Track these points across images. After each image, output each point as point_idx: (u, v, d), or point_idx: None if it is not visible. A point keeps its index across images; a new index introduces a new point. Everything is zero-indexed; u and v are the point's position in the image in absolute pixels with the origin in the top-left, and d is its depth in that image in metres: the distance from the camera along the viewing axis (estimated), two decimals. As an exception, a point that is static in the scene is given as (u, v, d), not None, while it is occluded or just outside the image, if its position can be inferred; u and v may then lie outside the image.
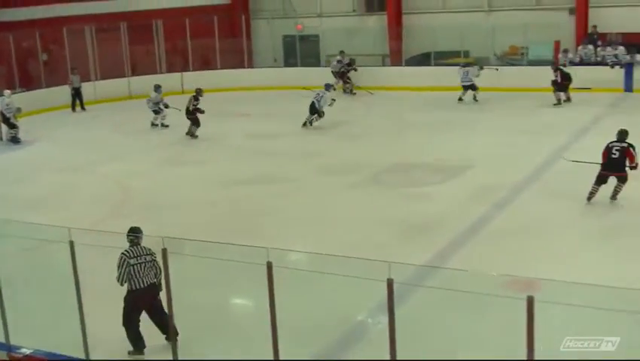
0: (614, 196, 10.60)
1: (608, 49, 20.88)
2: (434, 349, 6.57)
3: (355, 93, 22.34)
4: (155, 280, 6.87)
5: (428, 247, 9.29)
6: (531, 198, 11.29)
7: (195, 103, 16.81)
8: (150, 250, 6.86)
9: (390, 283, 5.31)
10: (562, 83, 18.70)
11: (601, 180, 10.57)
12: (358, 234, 9.91)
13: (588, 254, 8.91)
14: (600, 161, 10.62)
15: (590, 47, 21.22)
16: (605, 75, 19.77)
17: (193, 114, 16.81)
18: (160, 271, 6.65)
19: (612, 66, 20.02)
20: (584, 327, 6.42)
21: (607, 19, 21.51)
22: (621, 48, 20.61)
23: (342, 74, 22.43)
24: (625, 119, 15.43)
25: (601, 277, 7.14)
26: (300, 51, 25.77)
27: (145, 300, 6.82)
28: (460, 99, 19.98)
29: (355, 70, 22.49)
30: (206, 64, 25.76)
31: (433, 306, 7.20)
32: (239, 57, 25.59)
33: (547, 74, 18.93)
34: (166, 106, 18.21)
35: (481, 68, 20.38)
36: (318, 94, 17.68)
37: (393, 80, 22.75)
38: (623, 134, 10.63)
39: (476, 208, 10.79)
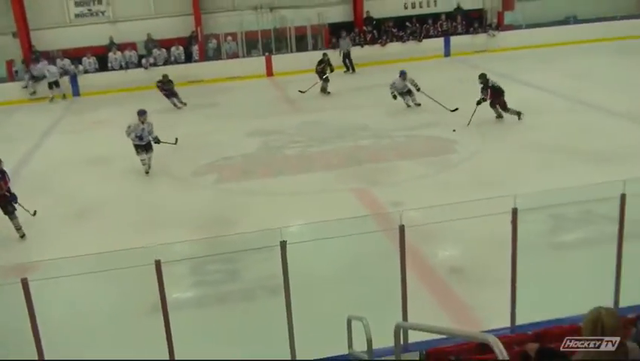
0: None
1: (53, 63, 23.84)
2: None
3: None
4: None
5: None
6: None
7: None
8: None
9: None
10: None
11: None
12: None
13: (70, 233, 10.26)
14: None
15: (43, 65, 23.93)
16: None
17: None
18: None
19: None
20: (81, 293, 7.53)
21: (45, 38, 24.83)
22: (67, 60, 24.11)
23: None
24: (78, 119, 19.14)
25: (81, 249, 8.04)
26: None
27: None
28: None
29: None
30: None
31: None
32: None
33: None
34: None
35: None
36: (394, 82, 17.64)
37: None
38: (483, 76, 15.65)
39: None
